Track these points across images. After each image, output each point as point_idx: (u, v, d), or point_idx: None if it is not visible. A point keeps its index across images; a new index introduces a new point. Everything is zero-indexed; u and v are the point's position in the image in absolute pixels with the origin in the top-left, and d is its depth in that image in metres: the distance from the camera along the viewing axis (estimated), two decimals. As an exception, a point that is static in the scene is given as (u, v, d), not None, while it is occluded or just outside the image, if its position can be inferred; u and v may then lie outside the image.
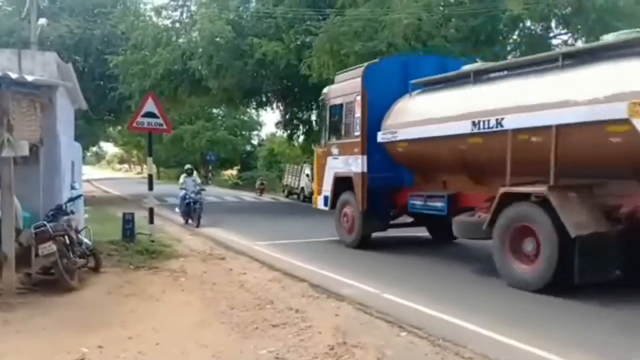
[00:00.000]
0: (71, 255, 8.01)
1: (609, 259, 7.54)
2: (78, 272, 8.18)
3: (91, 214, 13.85)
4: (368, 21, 19.21)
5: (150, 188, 12.79)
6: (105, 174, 76.74)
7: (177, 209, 17.60)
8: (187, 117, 44.26)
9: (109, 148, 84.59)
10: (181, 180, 17.47)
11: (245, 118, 50.24)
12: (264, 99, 30.41)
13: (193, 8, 25.52)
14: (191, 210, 16.48)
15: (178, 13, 25.97)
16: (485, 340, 5.87)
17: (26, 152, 7.17)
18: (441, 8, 20.16)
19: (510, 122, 8.35)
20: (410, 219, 12.38)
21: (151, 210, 12.53)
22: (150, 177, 13.14)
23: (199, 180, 17.79)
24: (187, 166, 18.49)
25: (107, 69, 24.59)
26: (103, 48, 26.63)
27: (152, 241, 11.67)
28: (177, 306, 7.18)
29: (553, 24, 23.07)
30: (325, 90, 13.46)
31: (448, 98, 10.14)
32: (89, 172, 55.46)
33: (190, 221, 16.59)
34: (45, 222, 7.83)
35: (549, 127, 7.76)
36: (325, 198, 12.95)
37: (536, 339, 5.86)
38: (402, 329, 6.17)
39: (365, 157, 11.41)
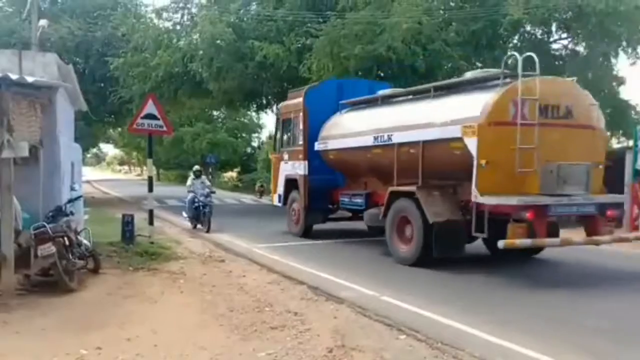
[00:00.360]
0: (70, 257, 8.01)
1: (460, 239, 9.94)
2: (77, 274, 8.18)
3: (91, 215, 13.84)
4: (368, 24, 19.23)
5: (150, 190, 12.80)
6: (105, 175, 76.79)
7: (184, 213, 16.58)
8: (187, 119, 44.28)
9: (109, 150, 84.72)
10: (189, 182, 16.39)
11: (246, 120, 50.27)
12: (264, 102, 30.42)
13: (194, 10, 25.53)
14: (200, 215, 15.66)
15: (179, 15, 25.95)
16: (483, 343, 5.88)
17: (26, 153, 7.18)
18: (442, 12, 20.18)
19: (397, 138, 10.93)
20: (349, 214, 14.11)
21: (151, 212, 12.54)
22: (150, 178, 13.14)
23: (207, 183, 16.76)
24: (195, 167, 17.33)
25: (107, 70, 24.59)
26: (104, 50, 26.65)
27: (152, 243, 11.68)
28: (176, 308, 7.18)
29: (553, 28, 23.11)
30: (279, 105, 16.36)
31: (363, 116, 12.74)
32: (89, 173, 55.46)
33: (199, 226, 15.79)
34: (44, 223, 7.83)
35: (418, 142, 10.34)
36: (279, 196, 15.19)
37: (534, 341, 5.87)
38: (400, 332, 6.18)
39: (306, 162, 13.80)
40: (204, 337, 5.87)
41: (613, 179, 18.16)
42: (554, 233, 9.85)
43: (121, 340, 5.68)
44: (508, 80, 9.53)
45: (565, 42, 23.55)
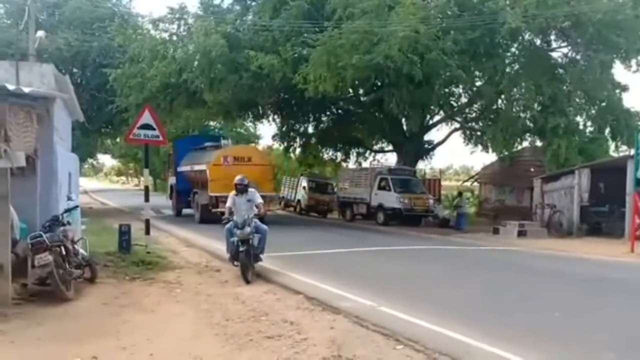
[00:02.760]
0: (67, 266, 8.00)
1: (212, 212, 20.59)
2: (74, 283, 8.17)
3: (88, 225, 13.80)
4: (365, 34, 19.28)
5: (147, 200, 12.79)
6: (103, 185, 76.74)
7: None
8: (183, 129, 44.19)
9: (107, 160, 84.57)
10: (228, 202, 10.89)
11: (242, 131, 50.20)
12: (260, 112, 30.45)
13: (190, 21, 25.59)
14: (243, 255, 9.97)
15: (175, 26, 26.05)
16: (481, 354, 5.87)
17: (23, 163, 7.18)
18: (439, 20, 20.21)
19: (194, 168, 23.93)
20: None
21: (147, 222, 12.51)
22: (146, 188, 13.14)
23: (259, 199, 10.95)
24: (237, 178, 10.98)
25: (104, 80, 24.62)
26: (100, 60, 26.72)
27: (148, 252, 11.66)
28: (171, 317, 7.17)
29: (552, 37, 23.12)
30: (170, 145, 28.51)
31: (193, 155, 24.71)
32: (86, 184, 55.28)
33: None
34: (41, 233, 7.81)
35: (198, 170, 23.44)
36: (168, 194, 28.48)
37: (529, 352, 5.87)
38: (398, 342, 6.17)
39: (175, 177, 26.50)
40: (199, 347, 5.86)
41: (615, 188, 18.30)
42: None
43: (117, 350, 5.67)
44: (222, 146, 23.70)
45: (565, 50, 23.60)
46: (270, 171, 23.41)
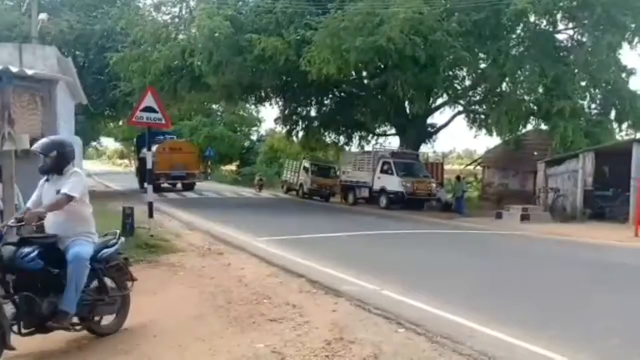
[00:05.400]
0: (70, 249, 8.03)
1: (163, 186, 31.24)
2: (77, 266, 8.20)
3: (92, 207, 13.85)
4: (368, 16, 19.13)
5: (150, 182, 12.81)
6: (106, 168, 76.96)
7: None
8: (186, 112, 44.20)
9: (110, 143, 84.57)
10: (35, 194, 5.47)
11: (244, 114, 50.15)
12: (262, 95, 30.37)
13: (192, 3, 25.45)
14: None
15: (177, 9, 25.92)
16: (484, 338, 5.87)
17: (27, 146, 7.17)
18: (443, 1, 20.01)
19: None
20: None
21: (150, 205, 12.54)
22: (149, 171, 13.15)
23: (67, 188, 5.15)
24: (37, 144, 5.37)
25: (106, 64, 24.55)
26: (103, 43, 26.62)
27: (152, 235, 11.69)
28: (174, 300, 7.22)
29: (558, 18, 22.83)
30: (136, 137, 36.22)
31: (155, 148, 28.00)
32: (89, 166, 55.34)
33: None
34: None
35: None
36: (136, 173, 34.67)
37: (534, 337, 5.88)
38: (400, 326, 6.19)
39: (139, 161, 32.36)
40: (202, 329, 5.90)
41: (620, 172, 18.23)
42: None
43: (121, 330, 5.72)
44: (164, 139, 31.90)
45: (571, 32, 23.37)
46: (196, 157, 33.42)
